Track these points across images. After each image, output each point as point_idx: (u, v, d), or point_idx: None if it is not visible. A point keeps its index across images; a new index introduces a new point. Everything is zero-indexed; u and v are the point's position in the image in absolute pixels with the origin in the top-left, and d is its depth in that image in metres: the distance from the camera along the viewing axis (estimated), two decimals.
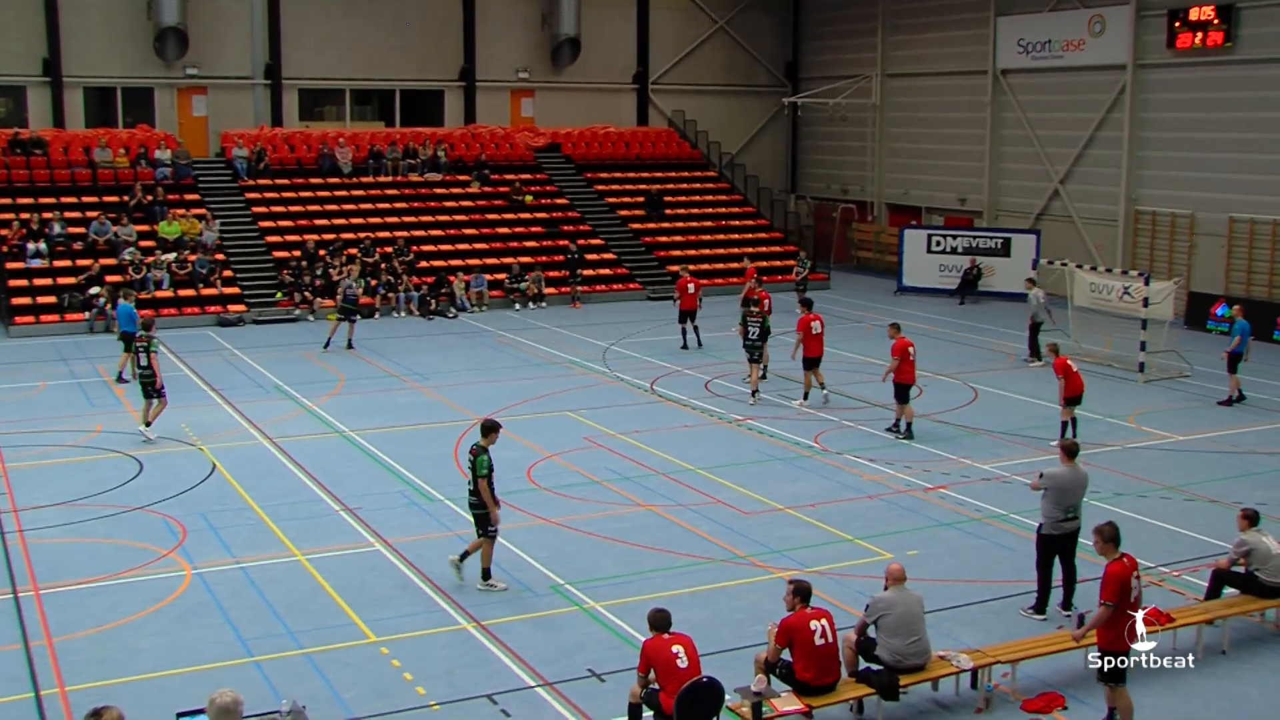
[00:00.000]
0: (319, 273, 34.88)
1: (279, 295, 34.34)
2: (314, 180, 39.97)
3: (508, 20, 45.15)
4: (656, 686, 10.60)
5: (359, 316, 30.49)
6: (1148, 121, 36.32)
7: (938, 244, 39.70)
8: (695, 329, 29.81)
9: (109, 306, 31.54)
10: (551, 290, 37.07)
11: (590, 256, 39.06)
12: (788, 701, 11.05)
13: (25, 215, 34.96)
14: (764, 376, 25.55)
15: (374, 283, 35.08)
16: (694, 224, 42.88)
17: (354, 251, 35.88)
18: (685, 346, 29.54)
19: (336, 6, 42.53)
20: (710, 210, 43.98)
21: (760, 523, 17.26)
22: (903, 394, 21.75)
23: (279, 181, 39.51)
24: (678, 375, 26.92)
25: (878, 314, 34.85)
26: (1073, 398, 21.16)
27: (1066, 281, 30.25)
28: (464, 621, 13.87)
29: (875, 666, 11.59)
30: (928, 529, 17.15)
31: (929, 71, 43.83)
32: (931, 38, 43.61)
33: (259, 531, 16.90)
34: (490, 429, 14.82)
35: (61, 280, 33.29)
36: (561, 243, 39.05)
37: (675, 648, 10.61)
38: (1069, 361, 21.36)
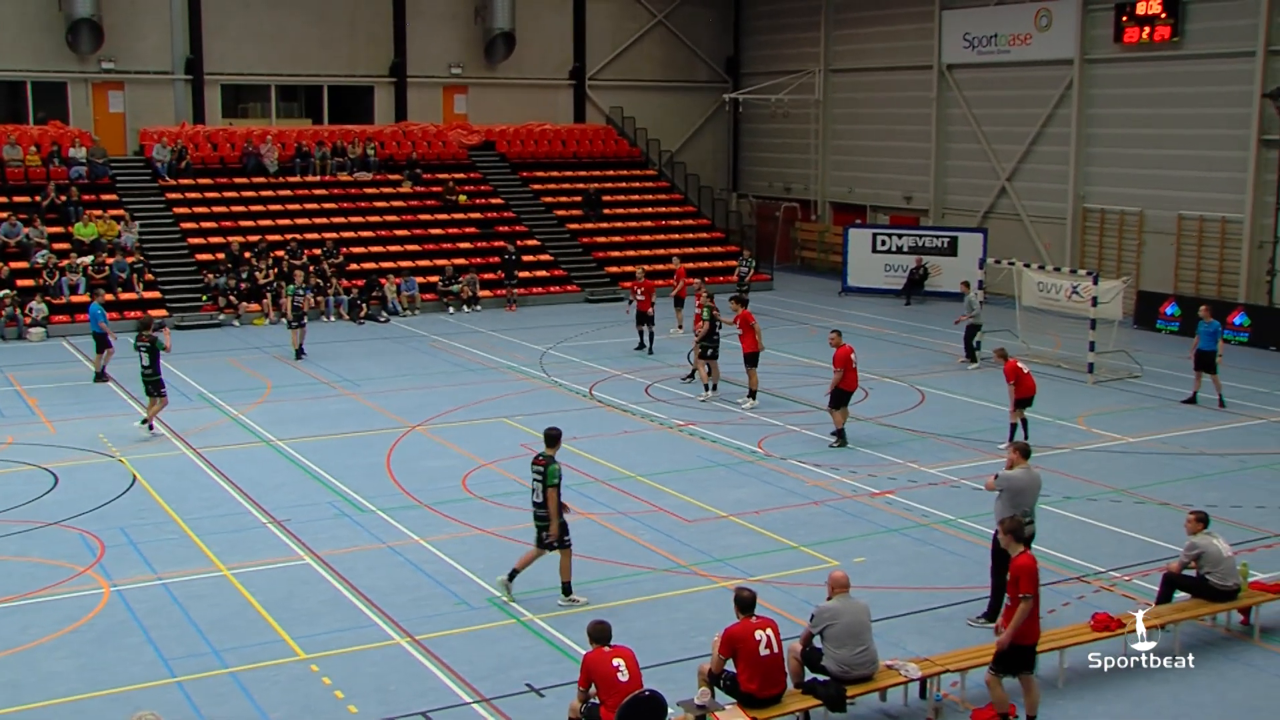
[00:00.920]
0: (244, 276, 34.55)
1: (204, 299, 33.96)
2: (238, 180, 39.61)
3: (440, 14, 44.96)
4: (597, 701, 10.58)
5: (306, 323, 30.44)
6: (1095, 117, 36.79)
7: (883, 243, 39.98)
8: (651, 333, 29.96)
9: (19, 312, 31.18)
10: (486, 293, 36.97)
11: (527, 258, 38.98)
12: (732, 714, 11.06)
13: None
14: (691, 375, 26.05)
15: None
16: (633, 224, 42.95)
17: (286, 258, 35.62)
18: (641, 346, 29.79)
19: None
20: (650, 210, 44.07)
21: (703, 530, 17.28)
22: (842, 400, 21.62)
23: (201, 181, 39.11)
24: (617, 380, 26.92)
25: (822, 316, 35.04)
26: (1024, 399, 21.31)
27: (1014, 281, 30.56)
28: (397, 636, 13.77)
29: (822, 677, 11.62)
30: (874, 535, 17.24)
31: (873, 67, 44.15)
32: (875, 32, 43.92)
33: (182, 546, 16.69)
34: (556, 438, 14.82)
35: None
36: (497, 244, 38.96)
37: (616, 660, 10.58)
38: (1019, 364, 21.46)
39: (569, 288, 38.60)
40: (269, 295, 34.13)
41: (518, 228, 40.76)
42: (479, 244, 39.34)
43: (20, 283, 32.60)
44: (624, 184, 45.00)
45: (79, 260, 33.85)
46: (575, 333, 32.48)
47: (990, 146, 40.02)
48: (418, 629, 13.92)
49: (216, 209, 38.30)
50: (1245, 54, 32.64)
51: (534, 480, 14.66)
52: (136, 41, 40.55)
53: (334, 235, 37.73)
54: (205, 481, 19.66)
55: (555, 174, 44.43)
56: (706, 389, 25.13)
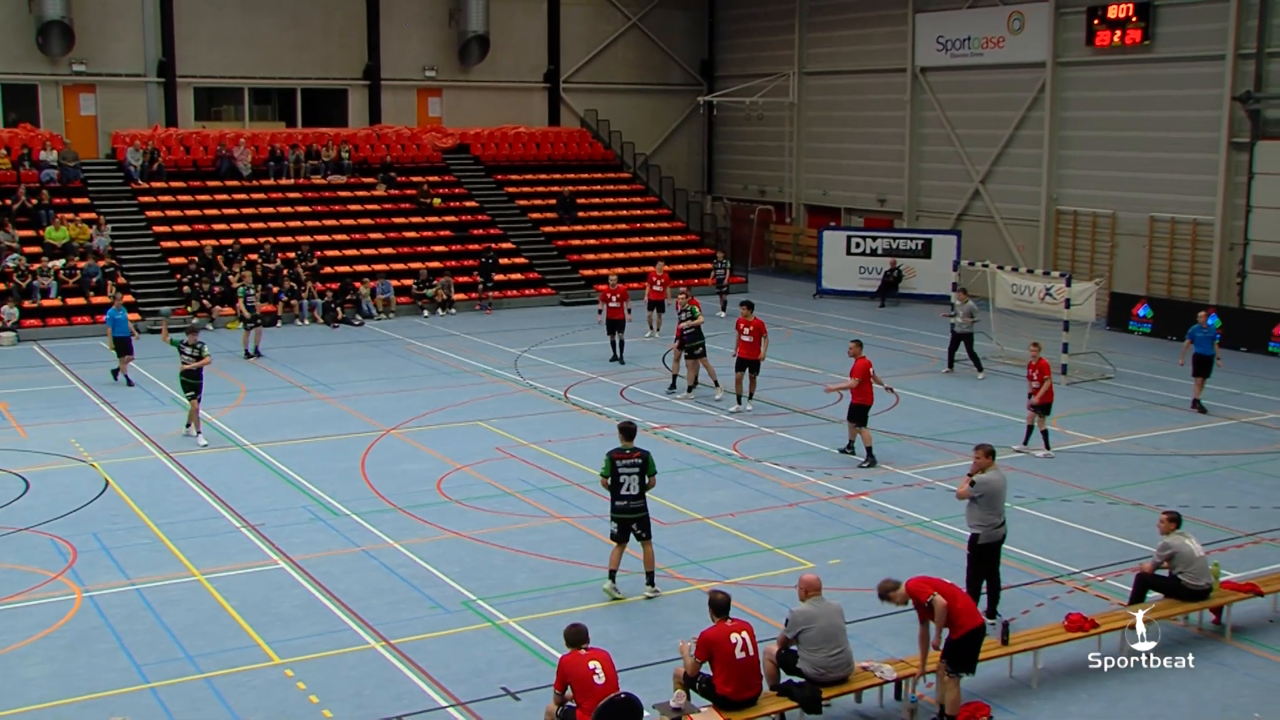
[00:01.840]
0: (217, 280, 34.41)
1: (189, 309, 33.66)
2: (211, 183, 39.44)
3: (414, 16, 44.88)
4: (573, 704, 10.59)
5: (260, 324, 30.50)
6: (1068, 120, 36.99)
7: (857, 245, 40.09)
8: (622, 341, 29.07)
9: None
10: (461, 296, 36.92)
11: (501, 261, 38.95)
12: (708, 717, 11.07)
13: None
14: (673, 383, 25.85)
15: (275, 290, 34.71)
16: (608, 226, 42.96)
17: (254, 257, 35.53)
18: (615, 358, 28.93)
19: (234, 1, 41.99)
20: (625, 213, 44.09)
21: (678, 533, 17.29)
22: (861, 416, 20.85)
23: (174, 184, 38.93)
24: (592, 383, 26.92)
25: (797, 318, 35.13)
26: (1045, 405, 21.08)
27: (988, 283, 30.70)
28: (372, 641, 13.74)
29: (797, 679, 11.66)
30: (850, 537, 17.29)
31: (847, 70, 44.28)
32: (849, 35, 44.06)
33: (155, 551, 16.61)
34: (635, 430, 15.42)
35: None
36: (471, 247, 38.91)
37: (592, 663, 10.60)
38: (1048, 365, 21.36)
39: (544, 291, 38.58)
40: (242, 299, 33.95)
41: (492, 231, 40.72)
42: (454, 247, 39.28)
43: None
44: (598, 187, 45.00)
45: (50, 264, 33.66)
46: (550, 336, 32.46)
47: (964, 149, 40.18)
48: (393, 633, 13.89)
49: (189, 212, 38.13)
50: (1215, 58, 32.88)
51: (627, 475, 14.82)
52: (108, 44, 40.35)
53: (308, 238, 37.63)
54: (179, 486, 19.57)
55: (530, 177, 44.40)
56: (690, 389, 25.16)
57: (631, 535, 14.98)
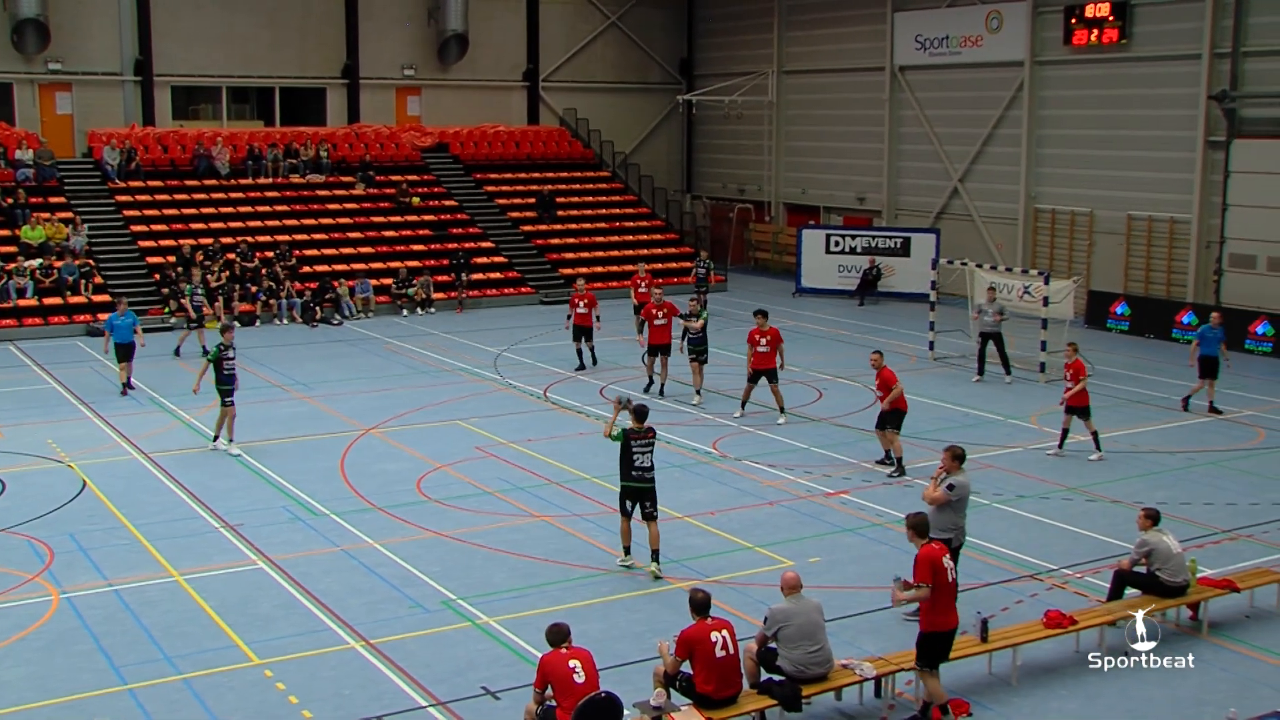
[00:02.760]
0: (196, 279, 34.24)
1: (167, 309, 33.48)
2: (189, 182, 39.29)
3: (392, 15, 44.80)
4: (553, 703, 10.58)
5: (201, 325, 30.33)
6: (1046, 119, 37.13)
7: (836, 244, 40.16)
8: (591, 348, 28.39)
9: None
10: (440, 295, 36.87)
11: (480, 260, 38.90)
12: (688, 715, 11.08)
13: None
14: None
15: (254, 289, 34.63)
16: (587, 225, 42.94)
17: (232, 256, 35.41)
18: (582, 366, 28.25)
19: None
20: (604, 211, 44.09)
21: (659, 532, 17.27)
22: (896, 422, 20.19)
23: (152, 184, 38.78)
24: (571, 382, 26.91)
25: (776, 317, 34.93)
26: (1076, 407, 21.00)
27: (967, 281, 30.79)
28: (352, 640, 13.72)
29: (777, 678, 11.67)
30: (830, 535, 17.32)
31: (826, 68, 44.35)
32: (828, 34, 44.14)
33: (133, 551, 16.55)
34: (647, 411, 15.92)
35: None
36: (450, 246, 38.85)
37: (572, 662, 10.59)
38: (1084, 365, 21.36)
39: (523, 290, 38.55)
40: (221, 298, 33.88)
41: (471, 230, 40.68)
42: (433, 246, 39.22)
43: None
44: (578, 185, 44.98)
45: (26, 264, 33.50)
46: (529, 334, 32.44)
47: (942, 147, 40.29)
48: (373, 633, 13.87)
49: (167, 211, 37.98)
50: (1191, 57, 33.04)
51: (641, 451, 15.49)
52: (84, 42, 40.15)
53: (286, 238, 37.52)
54: (156, 486, 19.50)
55: (509, 176, 44.36)
56: (698, 392, 24.98)
57: (641, 511, 15.57)
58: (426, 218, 40.64)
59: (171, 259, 34.96)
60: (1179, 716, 12.23)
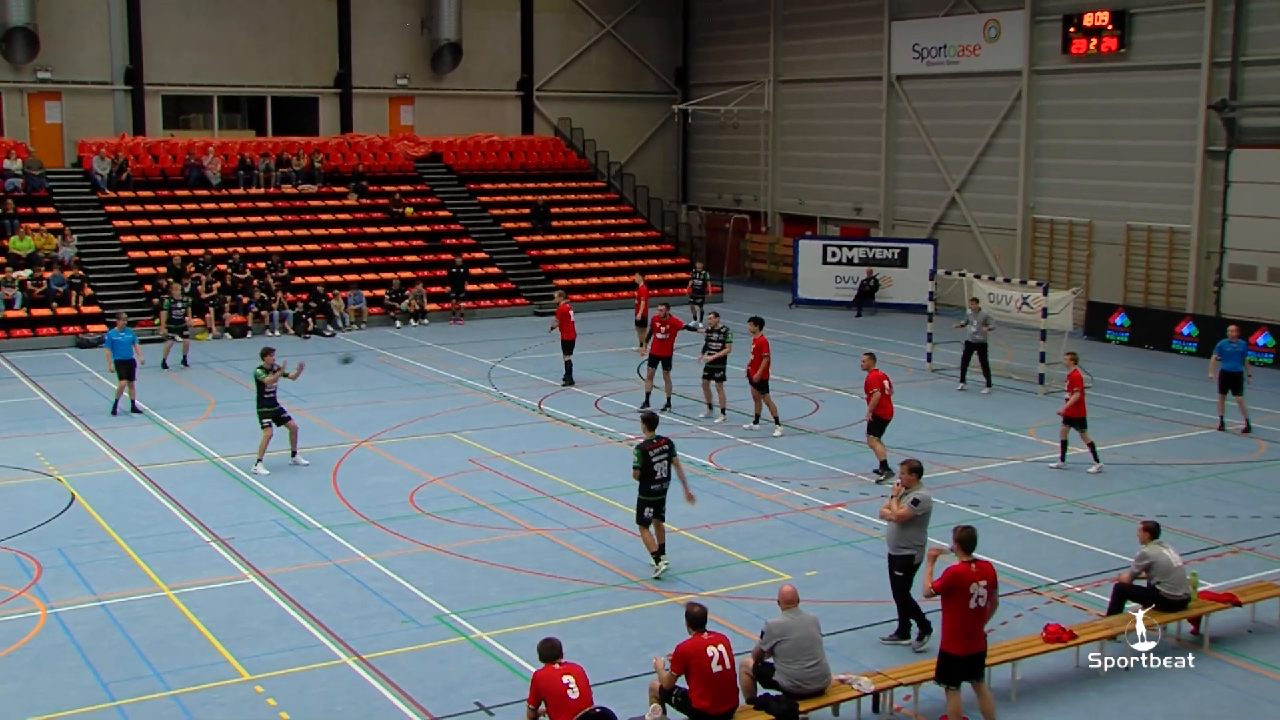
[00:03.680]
0: (187, 290, 34.20)
1: (156, 323, 33.39)
2: (180, 192, 39.31)
3: (385, 23, 44.86)
4: (547, 719, 10.56)
5: (187, 335, 30.38)
6: (1044, 128, 37.19)
7: (833, 255, 40.19)
8: (569, 362, 28.03)
9: None
10: (434, 306, 36.86)
11: (474, 271, 38.89)
12: None
13: None
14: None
15: (245, 300, 34.61)
16: (582, 236, 42.98)
17: (223, 267, 35.38)
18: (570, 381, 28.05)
19: (201, 7, 41.89)
20: (599, 222, 44.12)
21: None
22: (881, 428, 20.56)
23: (142, 194, 38.78)
24: (566, 394, 26.90)
25: (772, 329, 34.99)
26: (1075, 419, 21.05)
27: (965, 292, 30.79)
28: (344, 656, 13.69)
29: (774, 693, 11.65)
30: (827, 549, 17.31)
31: (823, 78, 44.42)
32: (825, 43, 44.22)
33: (122, 566, 16.51)
34: (657, 420, 16.43)
35: None
36: (444, 256, 38.85)
37: (566, 678, 10.57)
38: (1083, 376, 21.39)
39: (517, 301, 38.55)
40: (212, 309, 33.87)
41: (465, 240, 40.68)
42: (426, 257, 39.22)
43: None
44: (572, 196, 45.03)
45: (15, 275, 33.46)
46: (523, 346, 32.42)
47: (940, 157, 40.35)
48: (365, 648, 13.84)
49: (158, 222, 37.96)
50: (1191, 66, 33.12)
51: (659, 462, 15.79)
52: (74, 51, 40.17)
53: (278, 248, 37.50)
54: (146, 500, 19.46)
55: (503, 186, 44.39)
56: (719, 410, 24.53)
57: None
58: (420, 228, 40.66)
59: (162, 270, 34.96)
60: None
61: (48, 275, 33.64)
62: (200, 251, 36.24)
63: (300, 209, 40.07)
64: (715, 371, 24.57)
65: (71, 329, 32.84)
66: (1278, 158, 31.46)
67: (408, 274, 37.71)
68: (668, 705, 11.28)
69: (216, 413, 25.22)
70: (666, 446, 15.90)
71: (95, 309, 33.60)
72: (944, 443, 22.67)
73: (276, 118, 44.29)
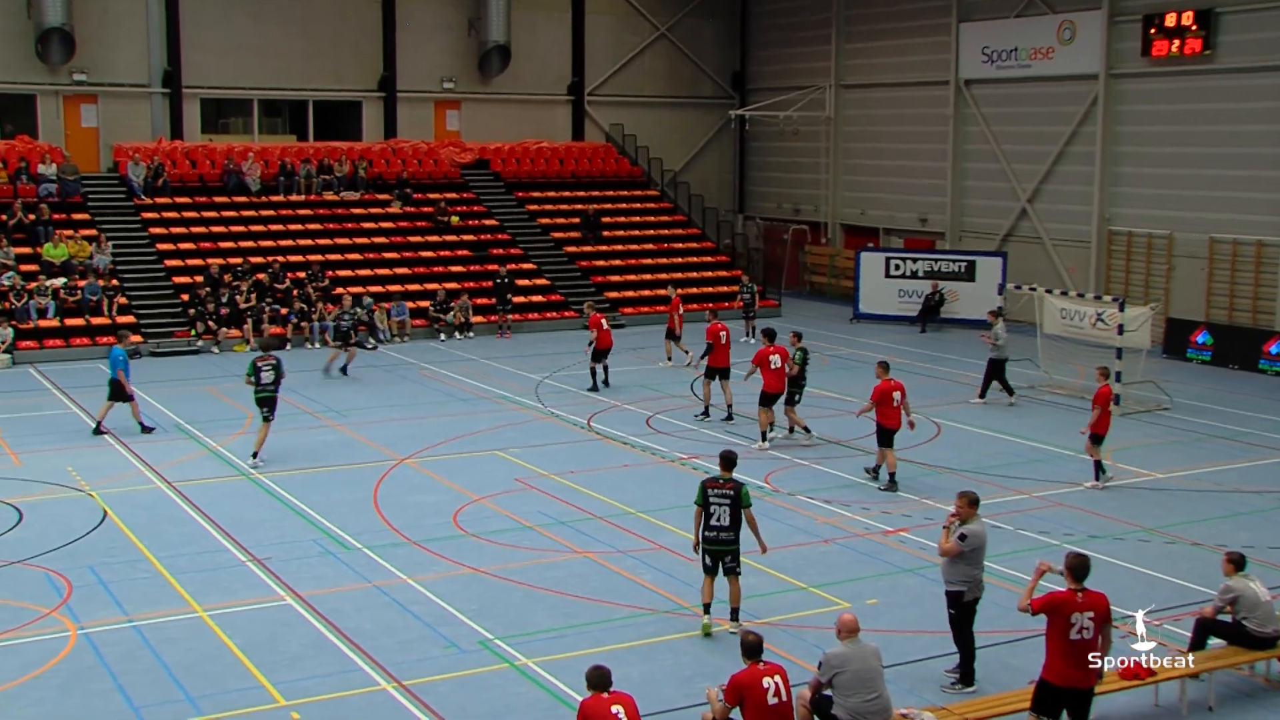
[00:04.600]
0: (224, 300, 34.55)
1: (192, 332, 33.76)
2: (218, 199, 39.69)
3: (431, 25, 45.13)
4: None
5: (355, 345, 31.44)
6: (1122, 135, 36.87)
7: (897, 267, 40.02)
8: (605, 368, 29.21)
9: None
10: (479, 319, 36.99)
11: (521, 282, 39.00)
12: None
13: None
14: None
15: (284, 311, 34.87)
16: (634, 247, 43.04)
17: (262, 277, 35.64)
18: (595, 388, 28.81)
19: (242, 9, 42.29)
20: (651, 232, 44.16)
21: None
22: (886, 438, 21.13)
23: (179, 200, 39.18)
24: (616, 410, 26.89)
25: (833, 344, 35.03)
26: (1101, 435, 21.15)
27: (1035, 308, 30.58)
28: (383, 681, 13.71)
29: None
30: (888, 575, 17.18)
31: (887, 82, 44.29)
32: (889, 45, 44.10)
33: (155, 585, 16.63)
34: (735, 460, 15.49)
35: None
36: (490, 267, 38.98)
37: (615, 708, 10.52)
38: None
39: (566, 314, 38.60)
40: (250, 320, 34.14)
41: (512, 250, 40.82)
42: (472, 267, 39.38)
43: None
44: (624, 205, 45.09)
45: (48, 283, 33.87)
46: (572, 361, 32.44)
47: (1010, 166, 40.10)
48: (405, 674, 13.85)
49: (195, 230, 38.35)
50: None
51: (718, 505, 14.99)
52: (110, 52, 40.65)
53: (319, 258, 37.78)
54: (181, 517, 19.60)
55: (552, 194, 44.53)
56: (765, 437, 24.08)
57: (721, 568, 15.14)
58: (466, 238, 40.83)
59: (199, 279, 35.28)
60: None
61: (81, 284, 34.01)
62: (239, 260, 36.56)
63: (342, 217, 40.36)
64: (792, 395, 24.58)
65: (105, 339, 33.14)
66: None
67: (453, 285, 37.88)
68: None
69: (253, 427, 25.30)
70: (731, 491, 14.98)
71: (130, 319, 33.92)
72: (1014, 465, 22.49)
73: (318, 122, 44.63)
